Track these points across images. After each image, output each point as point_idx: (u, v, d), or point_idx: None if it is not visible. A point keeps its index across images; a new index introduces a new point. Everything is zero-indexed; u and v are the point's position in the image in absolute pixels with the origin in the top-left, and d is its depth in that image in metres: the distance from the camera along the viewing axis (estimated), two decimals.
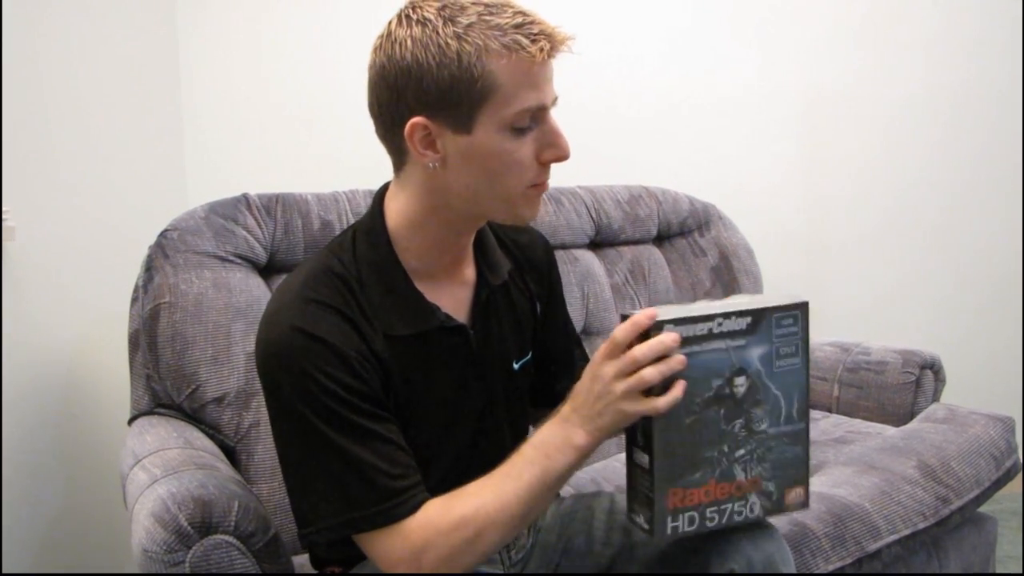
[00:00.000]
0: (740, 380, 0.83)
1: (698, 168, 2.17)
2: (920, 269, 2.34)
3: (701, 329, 0.81)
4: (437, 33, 0.79)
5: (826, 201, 2.29)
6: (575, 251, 1.76)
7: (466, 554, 0.81)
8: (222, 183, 1.50)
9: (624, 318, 0.81)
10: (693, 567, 0.88)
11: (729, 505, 0.85)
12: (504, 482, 0.82)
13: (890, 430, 1.60)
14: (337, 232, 1.25)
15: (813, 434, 1.63)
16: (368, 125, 0.88)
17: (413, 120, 0.82)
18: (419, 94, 0.81)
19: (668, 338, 0.79)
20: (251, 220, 1.34)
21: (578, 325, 1.67)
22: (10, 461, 1.24)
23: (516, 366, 1.00)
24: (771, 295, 0.90)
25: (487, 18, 0.79)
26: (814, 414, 1.78)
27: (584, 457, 0.83)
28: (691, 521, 0.83)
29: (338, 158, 1.77)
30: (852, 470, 1.36)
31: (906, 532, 1.27)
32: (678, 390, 0.79)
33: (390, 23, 0.84)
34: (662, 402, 0.79)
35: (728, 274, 1.95)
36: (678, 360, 0.79)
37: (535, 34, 0.80)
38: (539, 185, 0.87)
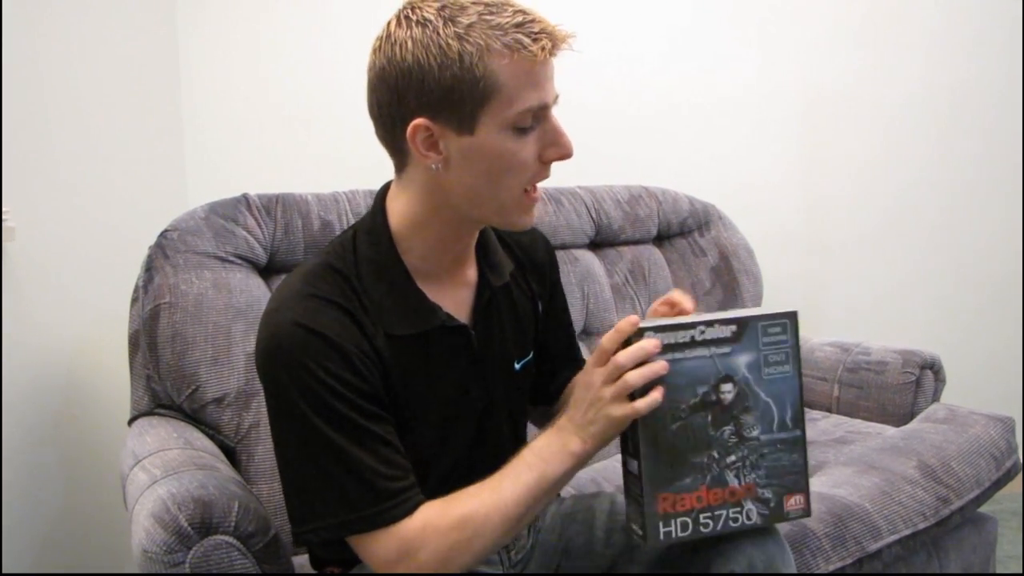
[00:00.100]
0: (727, 387, 0.84)
1: (698, 168, 2.17)
2: (920, 269, 2.34)
3: (683, 336, 0.83)
4: (438, 34, 0.79)
5: (826, 201, 2.29)
6: (575, 251, 1.76)
7: (463, 553, 0.81)
8: (222, 183, 1.50)
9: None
10: (695, 568, 0.88)
11: (724, 511, 0.85)
12: (502, 484, 0.83)
13: (890, 430, 1.60)
14: (337, 232, 1.25)
15: (813, 434, 1.66)
16: (368, 125, 0.88)
17: (415, 122, 0.81)
18: (421, 95, 0.80)
19: (648, 344, 0.81)
20: (251, 220, 1.34)
21: (578, 325, 1.67)
22: (10, 461, 1.24)
23: (517, 366, 1.00)
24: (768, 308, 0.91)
25: (488, 18, 0.79)
26: (814, 414, 1.78)
27: (581, 464, 0.84)
28: (684, 527, 0.84)
29: (338, 158, 1.77)
30: (852, 470, 1.36)
31: (906, 532, 1.27)
32: (657, 393, 0.81)
33: (389, 24, 0.83)
34: (642, 403, 0.80)
35: (728, 274, 1.95)
36: (660, 365, 0.81)
37: (536, 33, 0.79)
38: (533, 192, 0.87)
